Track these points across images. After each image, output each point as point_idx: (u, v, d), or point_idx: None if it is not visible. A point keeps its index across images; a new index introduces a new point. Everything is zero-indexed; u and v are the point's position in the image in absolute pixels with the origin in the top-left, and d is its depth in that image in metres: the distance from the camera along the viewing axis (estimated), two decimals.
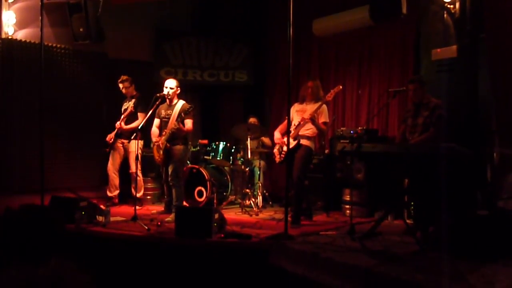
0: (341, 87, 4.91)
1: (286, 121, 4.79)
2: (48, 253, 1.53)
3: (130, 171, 5.83)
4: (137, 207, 4.93)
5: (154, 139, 5.38)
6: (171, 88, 5.25)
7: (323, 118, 4.95)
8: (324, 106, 4.98)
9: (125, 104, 5.97)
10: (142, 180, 5.99)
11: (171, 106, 5.31)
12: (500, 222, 3.49)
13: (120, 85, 5.92)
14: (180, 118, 5.07)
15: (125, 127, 5.81)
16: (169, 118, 5.25)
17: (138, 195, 5.75)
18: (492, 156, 4.67)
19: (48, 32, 6.25)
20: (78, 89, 6.63)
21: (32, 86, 5.86)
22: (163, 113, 5.34)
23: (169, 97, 5.25)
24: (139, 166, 5.72)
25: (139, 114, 5.79)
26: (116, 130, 5.89)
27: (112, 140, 5.90)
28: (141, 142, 5.60)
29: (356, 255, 3.45)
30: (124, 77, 5.92)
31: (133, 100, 5.84)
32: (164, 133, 5.24)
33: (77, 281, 1.35)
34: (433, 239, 3.74)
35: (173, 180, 5.20)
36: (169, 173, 5.22)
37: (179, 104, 5.29)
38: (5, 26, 6.06)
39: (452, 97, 4.80)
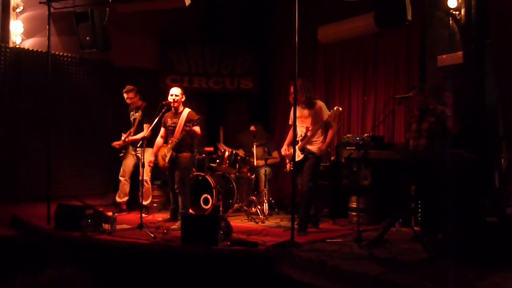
0: (340, 109, 4.89)
1: (291, 132, 4.75)
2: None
3: (140, 178, 5.84)
4: (143, 215, 4.92)
5: (156, 149, 5.41)
6: (176, 96, 5.25)
7: (325, 117, 4.92)
8: (322, 104, 4.96)
9: (132, 114, 6.02)
10: (150, 188, 6.01)
11: (177, 114, 5.33)
12: (509, 228, 3.45)
13: (125, 95, 5.95)
14: (188, 127, 5.09)
15: (131, 138, 5.86)
16: (175, 127, 5.27)
17: (145, 203, 5.76)
18: (499, 162, 4.63)
19: (55, 41, 6.30)
20: (84, 97, 6.67)
21: (39, 94, 5.90)
22: (169, 121, 5.36)
23: (175, 105, 5.27)
24: (147, 173, 5.75)
25: (144, 125, 5.83)
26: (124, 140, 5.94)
27: (122, 145, 5.94)
28: (150, 150, 5.59)
29: (363, 263, 3.42)
30: (129, 87, 5.95)
31: (140, 112, 5.88)
32: (170, 141, 5.26)
33: None
34: (442, 246, 3.70)
35: (180, 188, 5.20)
36: (176, 181, 5.22)
37: (185, 112, 5.30)
38: (13, 35, 6.11)
39: (459, 104, 4.78)
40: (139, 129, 5.89)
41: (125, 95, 5.95)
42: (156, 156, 5.42)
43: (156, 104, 5.25)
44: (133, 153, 5.97)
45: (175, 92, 5.29)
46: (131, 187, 6.03)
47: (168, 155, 5.23)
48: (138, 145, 5.27)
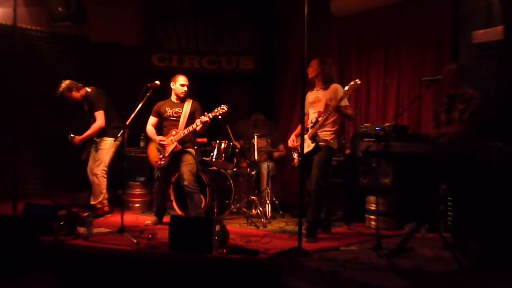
0: (359, 82, 4.80)
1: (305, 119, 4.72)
2: (25, 267, 1.51)
3: (92, 171, 5.74)
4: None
5: (157, 138, 5.41)
6: (187, 87, 5.44)
7: (344, 101, 4.84)
8: (338, 87, 4.89)
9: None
10: (101, 185, 5.75)
11: (179, 104, 5.43)
12: None
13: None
14: (209, 119, 5.14)
15: (81, 137, 5.74)
16: (178, 117, 5.37)
17: (93, 202, 5.71)
18: None
19: (22, 12, 6.27)
20: (56, 77, 6.56)
21: (3, 74, 5.85)
22: (168, 111, 5.41)
23: (183, 95, 5.43)
24: (102, 167, 5.68)
25: (96, 114, 5.70)
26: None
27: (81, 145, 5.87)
28: (109, 140, 5.64)
29: (383, 274, 3.41)
30: (59, 91, 5.74)
31: (85, 103, 5.80)
32: (175, 132, 5.33)
33: None
34: (475, 256, 3.68)
35: (191, 185, 5.25)
36: (185, 178, 5.25)
37: (190, 102, 5.45)
38: None
39: (497, 87, 4.75)
40: (92, 121, 5.77)
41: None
42: (146, 150, 5.47)
43: (141, 86, 5.20)
44: (94, 146, 5.84)
45: (186, 82, 5.46)
46: (108, 183, 5.89)
47: (171, 148, 5.28)
48: (119, 135, 5.15)
